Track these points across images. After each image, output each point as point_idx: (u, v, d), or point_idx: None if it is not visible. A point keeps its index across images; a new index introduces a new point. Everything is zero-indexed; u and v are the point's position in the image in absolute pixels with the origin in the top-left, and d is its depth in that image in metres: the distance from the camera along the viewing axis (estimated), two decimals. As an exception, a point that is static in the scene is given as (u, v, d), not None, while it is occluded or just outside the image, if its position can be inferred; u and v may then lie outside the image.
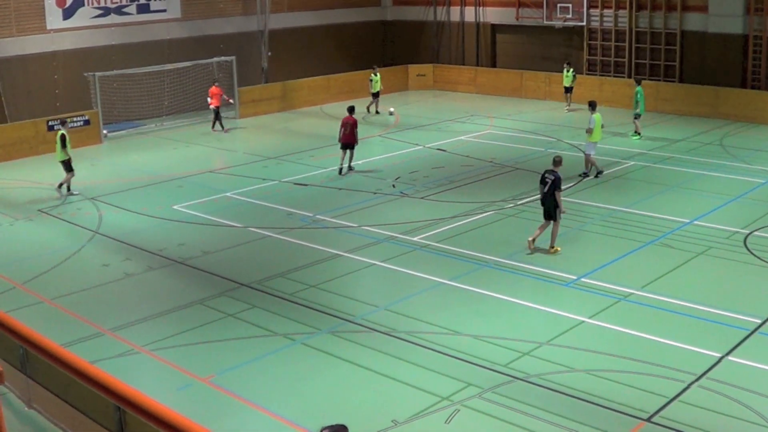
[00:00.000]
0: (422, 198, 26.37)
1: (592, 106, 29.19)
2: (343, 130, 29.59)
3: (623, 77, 43.26)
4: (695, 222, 23.50)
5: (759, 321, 17.09)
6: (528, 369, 15.26)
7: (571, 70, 41.94)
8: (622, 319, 17.36)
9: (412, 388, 14.70)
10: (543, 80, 45.91)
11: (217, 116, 37.93)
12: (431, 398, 14.24)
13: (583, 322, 17.26)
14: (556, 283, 19.40)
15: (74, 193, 27.68)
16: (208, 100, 37.92)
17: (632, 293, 18.63)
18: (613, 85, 43.40)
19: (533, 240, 21.46)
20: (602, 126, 28.79)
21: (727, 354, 15.69)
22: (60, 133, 27.57)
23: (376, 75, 41.58)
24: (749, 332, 16.65)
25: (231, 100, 39.00)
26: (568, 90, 42.08)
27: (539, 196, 21.70)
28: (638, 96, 34.43)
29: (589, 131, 28.20)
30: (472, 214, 24.44)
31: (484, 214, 24.35)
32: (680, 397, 14.17)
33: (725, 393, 14.26)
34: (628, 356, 15.68)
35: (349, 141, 29.54)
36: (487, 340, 16.48)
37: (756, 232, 22.62)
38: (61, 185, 27.95)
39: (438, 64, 50.24)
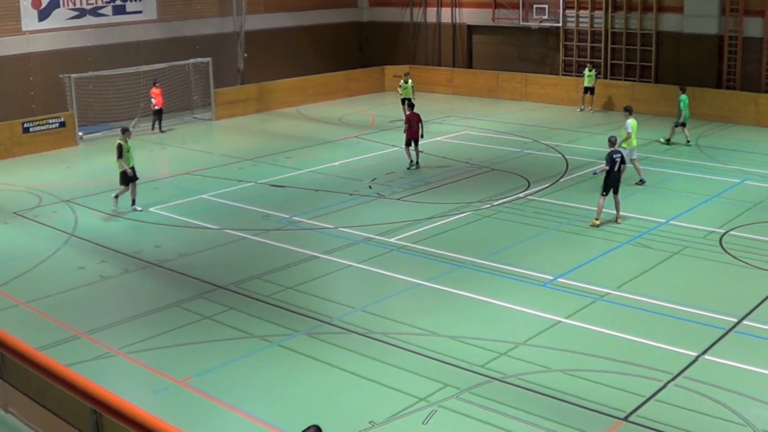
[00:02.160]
0: (399, 199, 26.37)
1: (628, 110, 28.50)
2: (408, 125, 30.31)
3: (599, 78, 43.37)
4: (671, 222, 23.61)
5: (735, 320, 17.19)
6: (505, 369, 15.28)
7: (594, 70, 41.57)
8: (598, 319, 17.42)
9: (390, 389, 14.69)
10: (519, 81, 45.98)
11: (159, 117, 38.03)
12: (408, 399, 14.24)
13: (560, 322, 17.30)
14: (533, 283, 19.44)
15: (137, 209, 25.91)
16: (152, 101, 37.93)
17: (609, 293, 18.70)
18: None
19: (598, 219, 23.42)
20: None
21: (704, 353, 15.77)
22: (117, 143, 25.83)
23: (406, 82, 39.83)
24: (725, 331, 16.74)
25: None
26: (588, 90, 41.72)
27: (594, 173, 25.31)
28: (681, 105, 34.02)
29: (628, 137, 27.63)
30: (449, 215, 24.46)
31: (461, 215, 24.37)
32: (657, 396, 14.23)
33: (702, 392, 14.32)
34: (605, 356, 15.73)
35: (414, 136, 30.29)
36: (464, 340, 16.49)
37: (731, 232, 22.74)
38: (116, 196, 26.34)
39: (414, 65, 50.23)
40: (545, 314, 17.64)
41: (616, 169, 23.45)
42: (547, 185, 27.54)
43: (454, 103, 45.14)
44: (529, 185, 27.68)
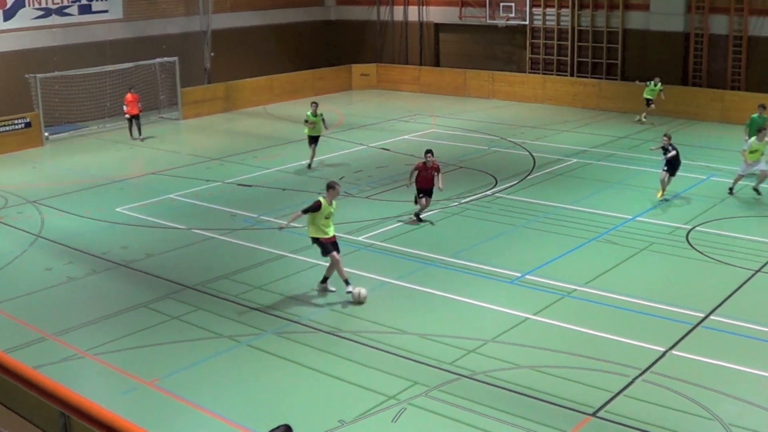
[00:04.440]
0: (367, 197, 26.38)
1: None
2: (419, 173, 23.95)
3: (566, 75, 43.59)
4: (638, 218, 23.76)
5: (702, 315, 17.31)
6: (474, 366, 15.31)
7: (660, 83, 38.20)
8: (566, 316, 17.49)
9: (359, 387, 14.69)
10: (486, 79, 46.12)
11: (134, 123, 36.50)
12: (378, 397, 14.24)
13: (528, 318, 17.37)
14: (501, 280, 19.50)
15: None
16: (124, 108, 36.40)
17: (576, 289, 18.79)
18: (556, 83, 43.75)
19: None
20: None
21: (671, 348, 15.88)
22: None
23: (315, 115, 30.53)
24: (692, 326, 16.87)
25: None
26: (649, 103, 38.44)
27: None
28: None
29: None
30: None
31: (429, 213, 24.37)
32: (625, 392, 14.31)
33: (669, 386, 14.42)
34: (573, 352, 15.80)
35: (428, 185, 23.86)
36: (432, 338, 16.51)
37: (698, 228, 22.91)
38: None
39: (381, 64, 50.29)
40: (513, 311, 17.70)
41: (675, 155, 25.53)
42: (515, 182, 27.64)
43: (421, 102, 45.19)
44: (496, 183, 27.77)
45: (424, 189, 23.67)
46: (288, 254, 21.43)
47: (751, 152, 25.91)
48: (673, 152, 25.47)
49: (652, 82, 38.30)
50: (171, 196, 27.16)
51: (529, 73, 45.37)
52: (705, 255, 20.88)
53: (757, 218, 24.16)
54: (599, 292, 18.59)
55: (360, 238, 22.46)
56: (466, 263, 20.55)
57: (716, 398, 14.19)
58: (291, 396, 14.52)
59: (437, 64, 49.70)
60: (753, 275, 19.68)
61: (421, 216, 23.93)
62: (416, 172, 23.57)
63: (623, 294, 18.46)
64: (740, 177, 26.38)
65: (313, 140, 30.25)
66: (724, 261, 20.50)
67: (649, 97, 38.30)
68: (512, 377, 14.90)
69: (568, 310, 17.82)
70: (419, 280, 19.57)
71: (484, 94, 45.99)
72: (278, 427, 8.08)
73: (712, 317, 17.31)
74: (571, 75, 43.52)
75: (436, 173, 23.48)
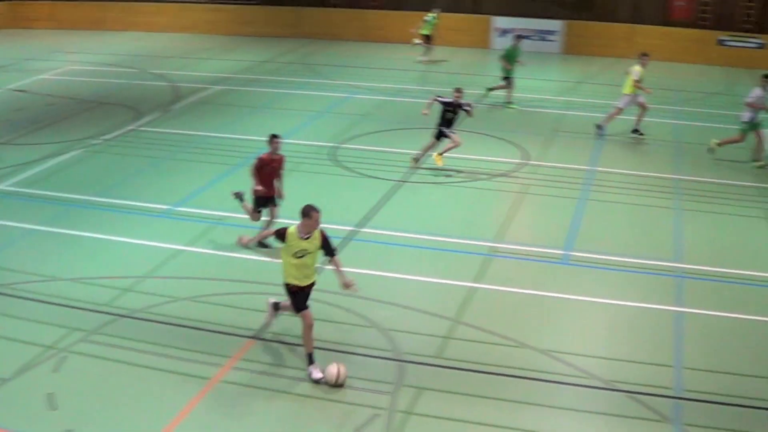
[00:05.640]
0: (4, 143, 24.87)
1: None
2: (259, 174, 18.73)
3: (201, 3, 42.97)
4: (284, 141, 23.83)
5: (352, 228, 17.76)
6: (132, 304, 14.90)
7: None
8: (218, 244, 17.41)
9: (14, 341, 13.83)
10: (124, 11, 44.53)
11: None
12: (35, 349, 13.48)
13: (182, 250, 17.12)
14: (151, 215, 19.06)
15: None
16: None
17: (226, 216, 18.66)
18: (193, 11, 43.17)
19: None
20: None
21: (325, 264, 16.20)
22: None
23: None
24: (341, 239, 17.26)
25: None
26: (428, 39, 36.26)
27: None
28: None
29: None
30: (58, 155, 23.37)
31: (72, 153, 23.38)
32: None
33: (331, 302, 14.71)
34: (228, 278, 15.78)
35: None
36: (86, 281, 15.89)
37: (343, 145, 23.42)
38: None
39: (11, 1, 47.41)
40: (166, 244, 17.37)
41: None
42: (158, 115, 27.05)
43: (58, 39, 43.02)
44: (139, 116, 27.05)
45: (266, 197, 17.46)
46: None
47: (635, 82, 24.88)
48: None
49: (431, 15, 35.88)
50: None
51: (168, 2, 44.27)
52: (352, 170, 21.38)
53: (394, 131, 25.02)
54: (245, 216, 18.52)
55: (1, 187, 21.17)
56: (114, 201, 19.90)
57: (372, 306, 14.77)
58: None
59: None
60: (399, 186, 20.45)
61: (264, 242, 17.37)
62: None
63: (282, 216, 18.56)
64: (619, 111, 25.45)
65: None
66: (369, 174, 21.09)
67: (427, 32, 35.90)
68: (171, 310, 14.64)
69: (222, 238, 17.71)
70: (67, 224, 18.70)
71: (123, 26, 44.47)
72: None
73: (363, 229, 17.82)
74: (210, 2, 42.97)
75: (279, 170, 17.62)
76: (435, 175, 21.53)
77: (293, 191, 20.31)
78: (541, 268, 16.80)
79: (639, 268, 16.81)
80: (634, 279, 16.39)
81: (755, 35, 37.82)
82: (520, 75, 29.07)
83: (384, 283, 15.72)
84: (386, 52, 37.78)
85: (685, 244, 18.08)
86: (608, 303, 15.39)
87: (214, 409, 11.89)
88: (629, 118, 25.45)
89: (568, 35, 38.41)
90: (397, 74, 33.27)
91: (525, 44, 30.97)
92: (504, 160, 22.32)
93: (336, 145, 23.44)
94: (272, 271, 15.86)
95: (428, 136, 21.91)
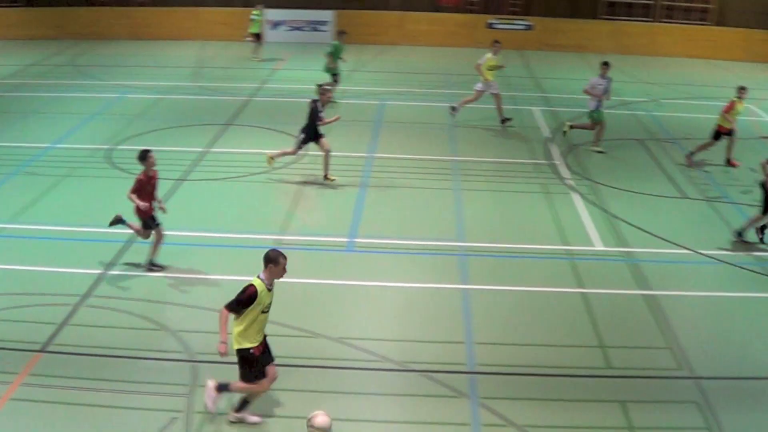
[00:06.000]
0: None
1: None
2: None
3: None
4: (57, 146, 23.20)
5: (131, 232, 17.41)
6: None
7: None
8: (-2, 257, 16.72)
9: None
10: None
11: None
12: None
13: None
14: None
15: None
16: None
17: (2, 227, 17.91)
18: None
19: None
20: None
21: (108, 269, 15.83)
22: None
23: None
24: (123, 243, 16.95)
25: None
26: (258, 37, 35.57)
27: None
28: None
29: None
30: None
31: None
32: (70, 321, 14.13)
33: (112, 306, 14.44)
34: (8, 292, 15.13)
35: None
36: None
37: (119, 146, 22.90)
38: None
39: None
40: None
41: None
42: None
43: None
44: None
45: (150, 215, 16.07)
46: None
47: (489, 69, 25.37)
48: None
49: (255, 12, 35.04)
50: None
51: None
52: (127, 172, 20.88)
53: (171, 129, 24.68)
54: (27, 226, 17.89)
55: None
56: None
57: (162, 308, 14.68)
58: None
59: None
60: (179, 185, 20.22)
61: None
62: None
63: (50, 224, 17.99)
64: (480, 94, 25.88)
65: None
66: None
67: (255, 31, 35.11)
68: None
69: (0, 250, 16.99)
70: None
71: None
72: None
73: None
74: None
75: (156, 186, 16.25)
76: (214, 172, 21.34)
77: (68, 196, 19.79)
78: (328, 257, 17.02)
79: (424, 249, 17.25)
80: (420, 261, 16.80)
81: (522, 17, 39.31)
82: (293, 67, 29.21)
83: (170, 284, 15.56)
84: (157, 49, 37.16)
85: (467, 223, 18.68)
86: (397, 286, 15.75)
87: (10, 429, 11.44)
88: (407, 104, 25.93)
89: (340, 25, 38.78)
90: (170, 72, 32.79)
91: (296, 36, 31.09)
92: (283, 152, 22.28)
93: (111, 147, 22.89)
94: (55, 281, 15.42)
95: (205, 134, 21.72)
